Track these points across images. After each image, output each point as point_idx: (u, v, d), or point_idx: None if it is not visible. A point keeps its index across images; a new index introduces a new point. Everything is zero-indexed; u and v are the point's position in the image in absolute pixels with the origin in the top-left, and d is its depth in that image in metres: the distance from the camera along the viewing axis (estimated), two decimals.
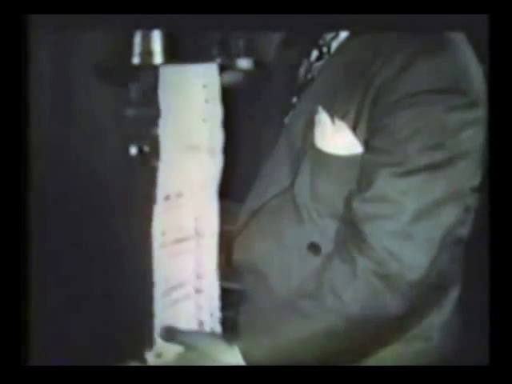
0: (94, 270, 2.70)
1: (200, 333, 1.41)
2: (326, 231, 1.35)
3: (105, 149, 2.75)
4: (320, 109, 1.35)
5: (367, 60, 1.32)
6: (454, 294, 1.42)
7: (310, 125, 1.37)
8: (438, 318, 1.38)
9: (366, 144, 1.31)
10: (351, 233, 1.30)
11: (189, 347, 1.37)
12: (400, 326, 1.34)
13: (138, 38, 2.54)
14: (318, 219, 1.36)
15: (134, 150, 2.66)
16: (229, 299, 1.43)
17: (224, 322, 1.42)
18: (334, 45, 1.40)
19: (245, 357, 1.32)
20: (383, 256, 1.26)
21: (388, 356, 1.35)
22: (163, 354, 1.37)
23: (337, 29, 1.37)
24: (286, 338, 1.31)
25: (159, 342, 1.37)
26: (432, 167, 1.27)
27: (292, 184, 1.38)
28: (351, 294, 1.28)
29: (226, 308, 1.42)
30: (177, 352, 1.37)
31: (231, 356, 1.33)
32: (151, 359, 1.38)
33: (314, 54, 1.44)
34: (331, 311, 1.28)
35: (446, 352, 1.40)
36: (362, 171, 1.32)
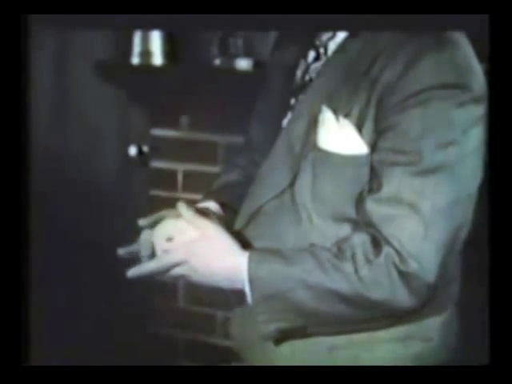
0: (94, 270, 2.70)
1: (222, 225, 1.40)
2: (325, 232, 1.35)
3: (105, 149, 2.75)
4: (324, 108, 1.35)
5: (368, 60, 1.32)
6: (453, 293, 1.42)
7: (312, 126, 1.37)
8: (438, 318, 1.38)
9: (375, 144, 1.31)
10: (372, 235, 1.30)
11: (204, 229, 1.37)
12: (400, 320, 1.34)
13: (137, 38, 2.54)
14: (317, 220, 1.35)
15: (133, 150, 2.65)
16: None
17: None
18: (332, 45, 1.40)
19: (250, 268, 1.32)
20: (404, 255, 1.26)
21: (388, 356, 1.35)
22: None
23: (337, 29, 1.37)
24: (295, 272, 1.30)
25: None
26: (446, 166, 1.26)
27: (290, 185, 1.38)
28: (368, 272, 1.27)
29: None
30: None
31: (237, 258, 1.33)
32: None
33: (311, 55, 1.43)
34: (345, 278, 1.28)
35: (446, 352, 1.40)
36: (372, 172, 1.31)
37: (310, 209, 1.36)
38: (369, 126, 1.31)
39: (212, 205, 1.53)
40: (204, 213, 1.45)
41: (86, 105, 2.75)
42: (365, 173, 1.32)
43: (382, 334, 1.35)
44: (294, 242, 1.36)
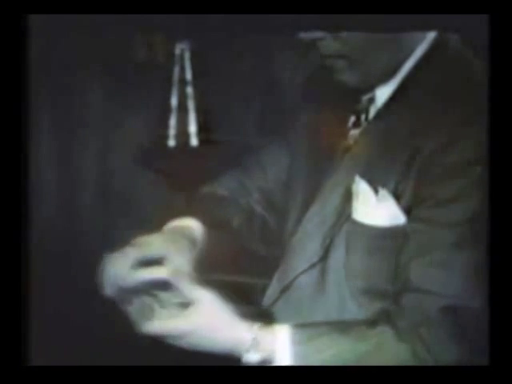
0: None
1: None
2: (358, 310, 1.33)
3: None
4: (357, 178, 1.32)
5: (407, 126, 1.30)
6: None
7: (347, 197, 1.34)
8: None
9: (410, 212, 1.28)
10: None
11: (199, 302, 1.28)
12: None
13: (173, 120, 2.57)
14: (350, 296, 1.33)
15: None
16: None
17: None
18: (372, 110, 1.37)
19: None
20: None
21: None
22: None
23: (335, 29, 1.36)
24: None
25: None
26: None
27: (321, 260, 1.35)
28: None
29: None
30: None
31: (238, 333, 1.28)
32: None
33: (351, 119, 1.41)
34: None
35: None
36: (407, 239, 1.29)
37: (342, 285, 1.33)
38: (407, 195, 1.28)
39: (192, 223, 1.45)
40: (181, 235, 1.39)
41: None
42: (401, 242, 1.30)
43: None
44: (324, 319, 1.34)
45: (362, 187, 1.32)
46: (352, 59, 1.31)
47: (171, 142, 2.61)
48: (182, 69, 2.72)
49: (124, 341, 2.65)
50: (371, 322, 1.29)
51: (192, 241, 1.41)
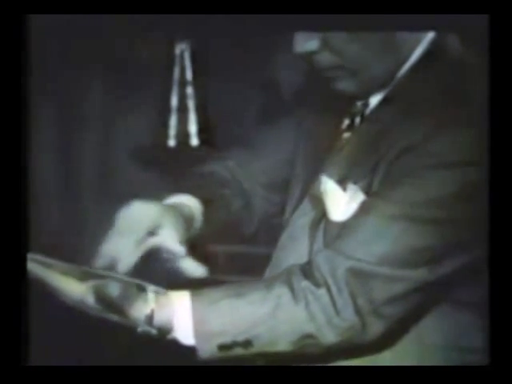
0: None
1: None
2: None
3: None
4: (324, 178, 1.34)
5: (395, 129, 1.29)
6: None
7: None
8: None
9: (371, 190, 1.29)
10: None
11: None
12: None
13: (173, 120, 2.58)
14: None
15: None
16: None
17: None
18: (367, 112, 1.37)
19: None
20: None
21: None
22: None
23: (335, 29, 1.36)
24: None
25: None
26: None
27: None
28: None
29: None
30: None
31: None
32: None
33: (346, 122, 1.41)
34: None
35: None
36: None
37: (330, 284, 1.29)
38: (376, 185, 1.29)
39: (189, 201, 1.45)
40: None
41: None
42: None
43: None
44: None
45: (329, 186, 1.33)
46: (349, 70, 1.32)
47: (171, 142, 2.62)
48: (182, 69, 2.72)
49: (124, 341, 2.66)
50: (269, 284, 1.28)
51: (188, 218, 1.41)
